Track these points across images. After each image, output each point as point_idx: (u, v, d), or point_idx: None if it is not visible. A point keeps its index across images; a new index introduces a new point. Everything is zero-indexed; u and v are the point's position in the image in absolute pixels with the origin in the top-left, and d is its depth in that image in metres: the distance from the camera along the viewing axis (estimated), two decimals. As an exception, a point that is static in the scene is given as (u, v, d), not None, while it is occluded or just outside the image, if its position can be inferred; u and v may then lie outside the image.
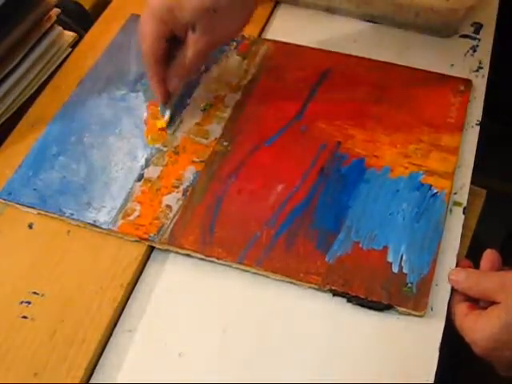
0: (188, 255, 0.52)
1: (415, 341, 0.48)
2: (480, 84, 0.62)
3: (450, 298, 0.49)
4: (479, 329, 0.45)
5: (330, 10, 0.70)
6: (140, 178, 0.56)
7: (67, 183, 0.56)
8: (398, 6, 0.66)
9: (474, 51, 0.65)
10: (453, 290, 0.49)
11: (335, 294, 0.50)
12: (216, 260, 0.51)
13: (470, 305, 0.48)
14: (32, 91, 0.64)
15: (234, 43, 0.66)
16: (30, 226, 0.55)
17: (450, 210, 0.54)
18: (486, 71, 0.64)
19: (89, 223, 0.54)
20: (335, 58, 0.64)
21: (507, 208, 0.81)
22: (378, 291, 0.49)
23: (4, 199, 0.56)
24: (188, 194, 0.55)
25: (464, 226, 0.53)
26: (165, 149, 0.58)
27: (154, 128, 0.60)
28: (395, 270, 0.50)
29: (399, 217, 0.53)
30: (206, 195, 0.55)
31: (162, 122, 0.60)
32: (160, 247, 0.53)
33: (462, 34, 0.67)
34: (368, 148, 0.57)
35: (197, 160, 0.57)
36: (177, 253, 0.52)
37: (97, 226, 0.53)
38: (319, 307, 0.49)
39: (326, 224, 0.53)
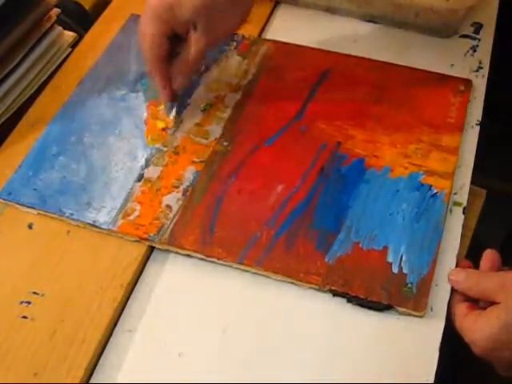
0: (188, 255, 0.52)
1: (415, 341, 0.48)
2: (480, 84, 0.62)
3: (450, 298, 0.49)
4: (479, 329, 0.45)
5: (330, 10, 0.70)
6: (140, 178, 0.56)
7: (67, 183, 0.56)
8: (397, 6, 0.66)
9: (474, 51, 0.65)
10: (453, 290, 0.49)
11: (335, 294, 0.50)
12: (216, 260, 0.51)
13: (469, 305, 0.48)
14: (32, 91, 0.64)
15: (234, 43, 0.66)
16: (30, 226, 0.55)
17: (450, 210, 0.54)
18: (485, 71, 0.64)
19: (89, 223, 0.54)
20: (335, 58, 0.64)
21: (507, 208, 0.80)
22: (378, 291, 0.49)
23: (4, 199, 0.56)
24: (188, 194, 0.55)
25: (464, 226, 0.53)
26: (165, 149, 0.58)
27: (154, 128, 0.60)
28: (395, 270, 0.50)
29: (399, 217, 0.53)
30: (205, 195, 0.55)
31: (163, 123, 0.59)
32: (160, 247, 0.53)
33: (462, 34, 0.67)
34: (368, 148, 0.57)
35: (197, 160, 0.57)
36: (177, 253, 0.52)
37: (97, 226, 0.53)
38: (319, 307, 0.49)
39: (326, 224, 0.53)
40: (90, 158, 0.58)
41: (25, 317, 0.49)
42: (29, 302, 0.50)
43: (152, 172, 0.56)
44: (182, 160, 0.57)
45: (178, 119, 0.60)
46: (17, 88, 0.62)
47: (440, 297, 0.49)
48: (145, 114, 0.61)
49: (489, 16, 0.68)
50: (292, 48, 0.65)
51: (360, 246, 0.51)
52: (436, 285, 0.50)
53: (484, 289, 0.47)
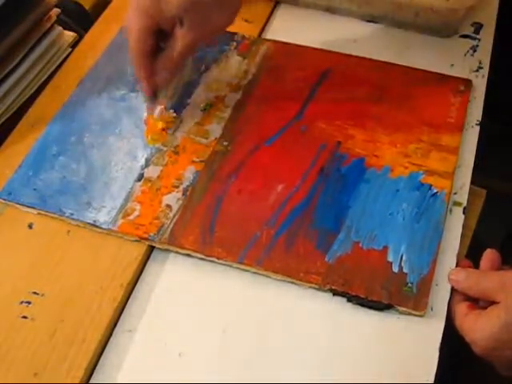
0: (188, 255, 0.52)
1: (415, 341, 0.48)
2: (480, 84, 0.62)
3: (450, 298, 0.49)
4: (479, 328, 0.45)
5: (330, 10, 0.70)
6: (140, 177, 0.56)
7: (67, 183, 0.56)
8: (397, 6, 0.66)
9: (474, 51, 0.65)
10: (453, 290, 0.49)
11: (335, 293, 0.50)
12: (216, 260, 0.51)
13: (469, 304, 0.48)
14: (32, 91, 0.64)
15: (234, 43, 0.66)
16: (30, 226, 0.55)
17: (450, 210, 0.54)
18: (485, 71, 0.64)
19: (89, 223, 0.54)
20: (335, 58, 0.64)
21: (507, 208, 0.80)
22: (378, 291, 0.49)
23: (4, 199, 0.56)
24: (188, 193, 0.55)
25: (464, 226, 0.53)
26: (165, 149, 0.58)
27: (154, 128, 0.60)
28: (395, 269, 0.50)
29: (399, 217, 0.53)
30: (205, 195, 0.55)
31: (163, 123, 0.59)
32: (160, 247, 0.53)
33: (462, 34, 0.67)
34: (368, 148, 0.57)
35: (197, 160, 0.57)
36: (177, 253, 0.52)
37: (97, 226, 0.53)
38: (319, 307, 0.49)
39: (326, 224, 0.53)
40: (90, 157, 0.58)
41: (25, 317, 0.49)
42: (29, 302, 0.50)
43: (152, 172, 0.56)
44: (181, 160, 0.57)
45: (178, 119, 0.60)
46: (17, 88, 0.62)
47: (440, 296, 0.49)
48: (145, 114, 0.61)
49: (489, 16, 0.68)
50: (292, 48, 0.65)
51: (360, 245, 0.51)
52: (436, 284, 0.50)
53: (484, 288, 0.47)
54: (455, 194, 0.55)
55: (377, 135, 0.58)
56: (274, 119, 0.59)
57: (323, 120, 0.59)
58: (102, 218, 0.54)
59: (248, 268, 0.51)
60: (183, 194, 0.55)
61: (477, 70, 0.64)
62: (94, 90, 0.63)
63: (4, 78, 0.61)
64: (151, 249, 0.53)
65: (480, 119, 0.60)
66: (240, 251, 0.51)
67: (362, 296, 0.49)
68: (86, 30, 0.70)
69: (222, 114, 0.60)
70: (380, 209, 0.53)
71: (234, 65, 0.64)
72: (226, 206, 0.54)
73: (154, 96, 0.59)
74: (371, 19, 0.69)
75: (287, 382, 0.46)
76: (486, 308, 0.46)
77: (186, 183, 0.56)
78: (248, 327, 0.49)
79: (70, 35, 0.67)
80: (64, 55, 0.67)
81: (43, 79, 0.65)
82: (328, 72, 0.63)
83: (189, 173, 0.56)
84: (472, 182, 0.56)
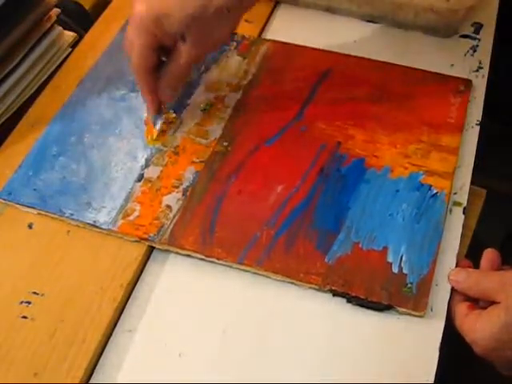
0: (188, 255, 0.52)
1: (415, 341, 0.48)
2: (480, 84, 0.62)
3: (450, 298, 0.49)
4: (479, 329, 0.45)
5: (330, 10, 0.70)
6: (140, 178, 0.56)
7: (67, 183, 0.56)
8: (397, 6, 0.66)
9: (474, 51, 0.65)
10: (453, 290, 0.49)
11: (335, 294, 0.50)
12: (216, 260, 0.51)
13: (470, 305, 0.48)
14: (32, 91, 0.64)
15: (234, 43, 0.66)
16: (30, 226, 0.55)
17: (450, 210, 0.54)
18: (485, 71, 0.64)
19: (89, 223, 0.54)
20: (335, 58, 0.64)
21: (507, 208, 0.80)
22: (378, 291, 0.49)
23: (4, 199, 0.56)
24: (188, 194, 0.55)
25: (464, 226, 0.53)
26: (165, 149, 0.58)
27: (153, 128, 0.59)
28: (395, 270, 0.50)
29: (399, 217, 0.53)
30: (205, 195, 0.55)
31: (154, 133, 0.59)
32: (160, 247, 0.53)
33: (462, 34, 0.67)
34: (368, 148, 0.57)
35: (197, 160, 0.57)
36: (177, 253, 0.52)
37: (97, 227, 0.53)
38: (319, 307, 0.49)
39: (325, 224, 0.53)
40: (90, 158, 0.58)
41: (25, 317, 0.49)
42: (29, 302, 0.50)
43: (152, 172, 0.56)
44: (181, 160, 0.57)
45: (178, 120, 0.60)
46: (17, 88, 0.62)
47: (440, 297, 0.49)
48: (145, 114, 0.61)
49: (489, 16, 0.68)
50: (292, 48, 0.65)
51: (360, 246, 0.51)
52: (436, 285, 0.50)
53: (484, 288, 0.47)
54: (455, 194, 0.55)
55: (377, 135, 0.58)
56: (273, 119, 0.59)
57: (323, 120, 0.59)
58: (102, 218, 0.54)
59: (248, 268, 0.51)
60: (183, 195, 0.55)
61: (477, 70, 0.64)
62: (94, 90, 0.63)
63: (4, 77, 0.61)
64: (151, 249, 0.53)
65: (480, 119, 0.60)
66: (240, 252, 0.51)
67: (362, 296, 0.49)
68: (86, 30, 0.70)
69: (222, 114, 0.60)
70: (380, 209, 0.53)
71: (233, 65, 0.65)
72: (225, 207, 0.54)
73: (158, 113, 0.59)
74: (371, 19, 0.69)
75: (287, 382, 0.46)
76: (486, 308, 0.46)
77: (185, 184, 0.56)
78: (248, 327, 0.49)
79: (70, 35, 0.67)
80: (64, 55, 0.67)
81: (43, 79, 0.65)
82: (328, 72, 0.63)
83: (189, 173, 0.56)
84: (472, 182, 0.56)
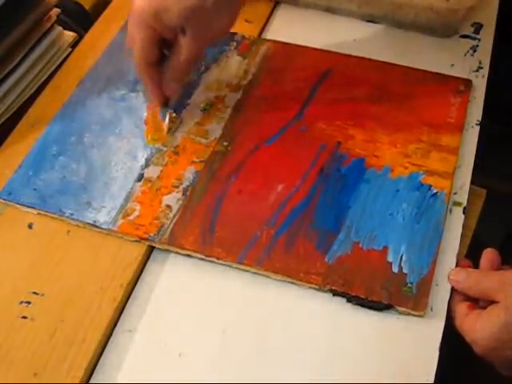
0: (188, 255, 0.52)
1: (415, 341, 0.48)
2: (480, 84, 0.62)
3: (450, 298, 0.49)
4: (479, 328, 0.45)
5: (330, 10, 0.70)
6: (140, 177, 0.56)
7: (67, 183, 0.56)
8: (397, 6, 0.66)
9: (474, 51, 0.65)
10: (453, 290, 0.49)
11: (335, 293, 0.50)
12: (216, 260, 0.51)
13: (470, 304, 0.48)
14: (32, 91, 0.64)
15: (234, 43, 0.66)
16: (30, 226, 0.55)
17: (450, 210, 0.54)
18: (486, 71, 0.64)
19: (89, 223, 0.54)
20: (335, 58, 0.64)
21: (507, 208, 0.80)
22: (378, 291, 0.49)
23: (4, 199, 0.56)
24: (188, 193, 0.55)
25: (464, 226, 0.53)
26: (165, 149, 0.58)
27: (153, 128, 0.59)
28: (395, 269, 0.50)
29: (399, 217, 0.53)
30: (205, 195, 0.55)
31: (165, 128, 0.59)
32: (160, 247, 0.53)
33: (462, 34, 0.67)
34: (368, 148, 0.57)
35: (197, 160, 0.57)
36: (177, 253, 0.52)
37: (97, 226, 0.53)
38: (319, 307, 0.49)
39: (326, 224, 0.53)
40: (90, 157, 0.58)
41: (25, 317, 0.49)
42: (29, 302, 0.50)
43: (152, 172, 0.56)
44: (181, 160, 0.57)
45: (178, 119, 0.60)
46: (17, 88, 0.62)
47: (440, 296, 0.49)
48: (145, 114, 0.61)
49: (489, 16, 0.68)
50: (292, 48, 0.65)
51: (360, 245, 0.51)
52: (436, 284, 0.50)
53: (484, 288, 0.47)
54: (455, 194, 0.55)
55: (377, 135, 0.58)
56: (273, 119, 0.59)
57: (323, 120, 0.59)
58: (102, 218, 0.54)
59: (248, 268, 0.51)
60: (183, 194, 0.55)
61: (477, 70, 0.64)
62: (94, 90, 0.63)
63: (4, 77, 0.61)
64: (151, 249, 0.53)
65: (480, 119, 0.60)
66: (240, 251, 0.51)
67: (362, 296, 0.49)
68: (86, 30, 0.70)
69: (222, 114, 0.60)
70: (380, 209, 0.53)
71: (233, 65, 0.65)
72: (225, 206, 0.54)
73: (165, 105, 0.59)
74: (371, 19, 0.69)
75: (287, 382, 0.46)
76: (486, 308, 0.46)
77: (185, 183, 0.56)
78: (248, 327, 0.49)
79: (70, 35, 0.67)
80: (64, 55, 0.67)
81: (43, 79, 0.65)
82: (328, 72, 0.63)
83: (189, 173, 0.56)
84: (472, 182, 0.56)
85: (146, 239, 0.52)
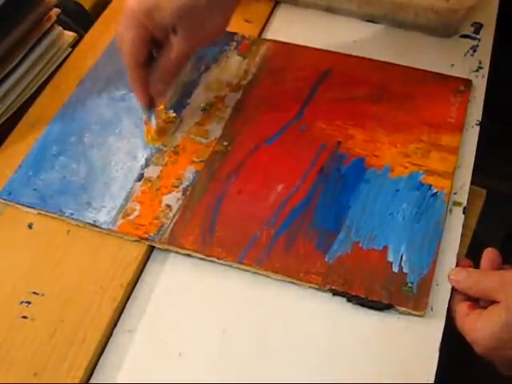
0: (188, 255, 0.52)
1: (415, 341, 0.48)
2: (480, 84, 0.62)
3: (451, 298, 0.49)
4: (480, 328, 0.45)
5: (330, 10, 0.70)
6: (140, 177, 0.56)
7: (67, 183, 0.56)
8: (397, 6, 0.66)
9: (474, 51, 0.65)
10: (453, 290, 0.49)
11: (335, 293, 0.50)
12: (216, 260, 0.51)
13: (470, 304, 0.48)
14: (32, 91, 0.64)
15: (234, 43, 0.66)
16: (30, 226, 0.55)
17: (450, 210, 0.54)
18: (485, 71, 0.64)
19: (89, 223, 0.54)
20: (335, 58, 0.64)
21: (507, 208, 0.80)
22: (378, 291, 0.49)
23: (4, 199, 0.56)
24: (188, 193, 0.55)
25: (464, 226, 0.53)
26: (165, 148, 0.58)
27: (150, 125, 0.59)
28: (395, 269, 0.50)
29: (399, 216, 0.53)
30: (205, 195, 0.55)
31: (152, 130, 0.59)
32: (160, 247, 0.53)
33: (462, 34, 0.67)
34: (368, 148, 0.57)
35: (197, 160, 0.57)
36: (177, 253, 0.52)
37: (97, 226, 0.53)
38: (319, 307, 0.49)
39: (325, 224, 0.53)
40: (90, 157, 0.58)
41: (25, 317, 0.49)
42: (29, 302, 0.50)
43: (152, 172, 0.56)
44: (181, 160, 0.57)
45: (178, 119, 0.60)
46: (17, 88, 0.62)
47: (440, 296, 0.49)
48: (144, 114, 0.61)
49: (489, 16, 0.68)
50: (292, 48, 0.65)
51: (360, 245, 0.51)
52: (436, 284, 0.50)
53: (484, 288, 0.47)
54: (455, 194, 0.55)
55: (377, 135, 0.58)
56: (273, 119, 0.59)
57: (323, 120, 0.59)
58: (102, 217, 0.54)
59: (248, 268, 0.51)
60: (183, 194, 0.55)
61: (477, 70, 0.64)
62: (94, 90, 0.63)
63: (4, 77, 0.61)
64: (151, 249, 0.53)
65: (480, 119, 0.60)
66: (240, 251, 0.51)
67: (362, 296, 0.49)
68: (86, 30, 0.70)
69: (222, 114, 0.60)
70: (380, 209, 0.53)
71: (234, 65, 0.65)
72: (225, 206, 0.54)
73: (149, 106, 0.58)
74: (371, 19, 0.69)
75: (287, 382, 0.46)
76: (486, 308, 0.46)
77: (185, 183, 0.56)
78: (248, 327, 0.49)
79: (70, 35, 0.67)
80: (64, 55, 0.67)
81: (43, 79, 0.65)
82: (328, 72, 0.63)
83: (189, 173, 0.56)
84: (472, 182, 0.56)
85: (146, 239, 0.52)
